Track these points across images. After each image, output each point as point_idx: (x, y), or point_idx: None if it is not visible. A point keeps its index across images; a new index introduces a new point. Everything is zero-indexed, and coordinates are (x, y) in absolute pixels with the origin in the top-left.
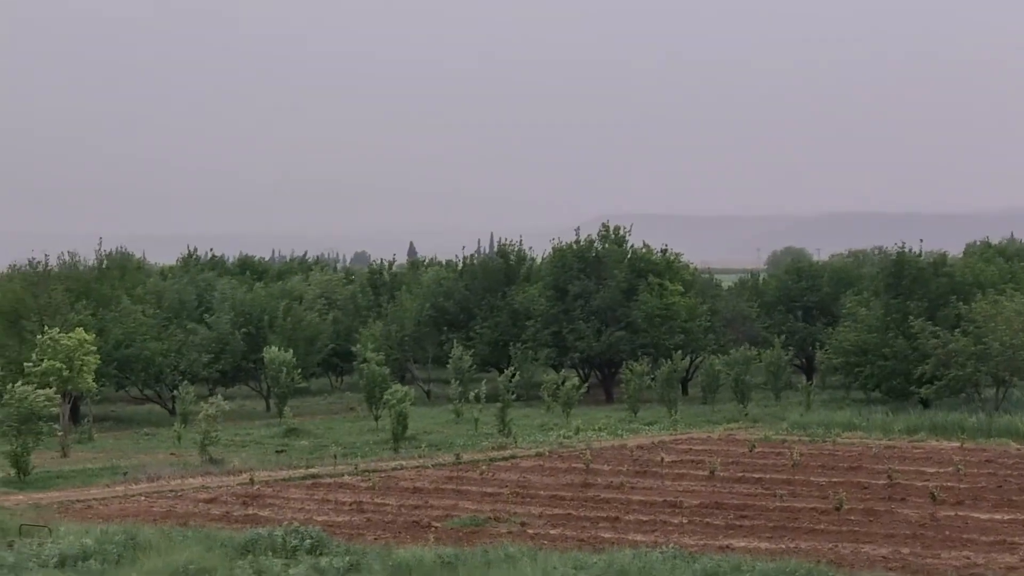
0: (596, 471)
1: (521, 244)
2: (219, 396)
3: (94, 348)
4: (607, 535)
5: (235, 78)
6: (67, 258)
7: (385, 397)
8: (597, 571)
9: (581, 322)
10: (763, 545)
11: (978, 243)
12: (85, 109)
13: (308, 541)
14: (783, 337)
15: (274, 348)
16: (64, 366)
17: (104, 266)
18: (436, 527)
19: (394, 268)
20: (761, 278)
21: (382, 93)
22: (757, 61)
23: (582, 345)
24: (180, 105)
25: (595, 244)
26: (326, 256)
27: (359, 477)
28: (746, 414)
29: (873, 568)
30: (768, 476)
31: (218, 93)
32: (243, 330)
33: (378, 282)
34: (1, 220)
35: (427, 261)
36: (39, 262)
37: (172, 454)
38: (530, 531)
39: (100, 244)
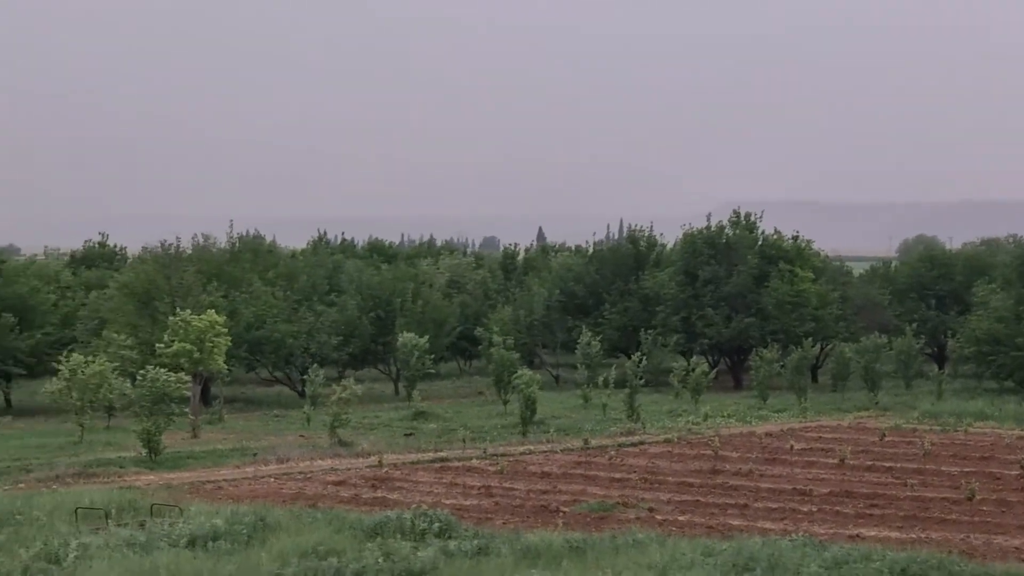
0: (725, 458)
1: (651, 230)
2: (351, 379)
3: (225, 330)
4: (736, 522)
5: (369, 64)
6: (199, 240)
7: (514, 381)
8: (726, 558)
9: (711, 308)
10: (893, 535)
11: None
12: (219, 92)
13: (436, 524)
14: (915, 325)
15: (409, 332)
16: (195, 347)
17: (236, 248)
18: (564, 512)
19: (525, 253)
20: (893, 266)
21: (512, 81)
22: (894, 51)
23: (711, 331)
24: (314, 89)
25: (726, 230)
26: (455, 240)
27: (487, 461)
28: (876, 402)
29: (1006, 559)
30: (899, 465)
31: (353, 78)
32: (371, 313)
33: (509, 267)
34: (135, 203)
35: (557, 247)
36: (172, 244)
37: (301, 436)
38: (658, 517)
39: (231, 227)
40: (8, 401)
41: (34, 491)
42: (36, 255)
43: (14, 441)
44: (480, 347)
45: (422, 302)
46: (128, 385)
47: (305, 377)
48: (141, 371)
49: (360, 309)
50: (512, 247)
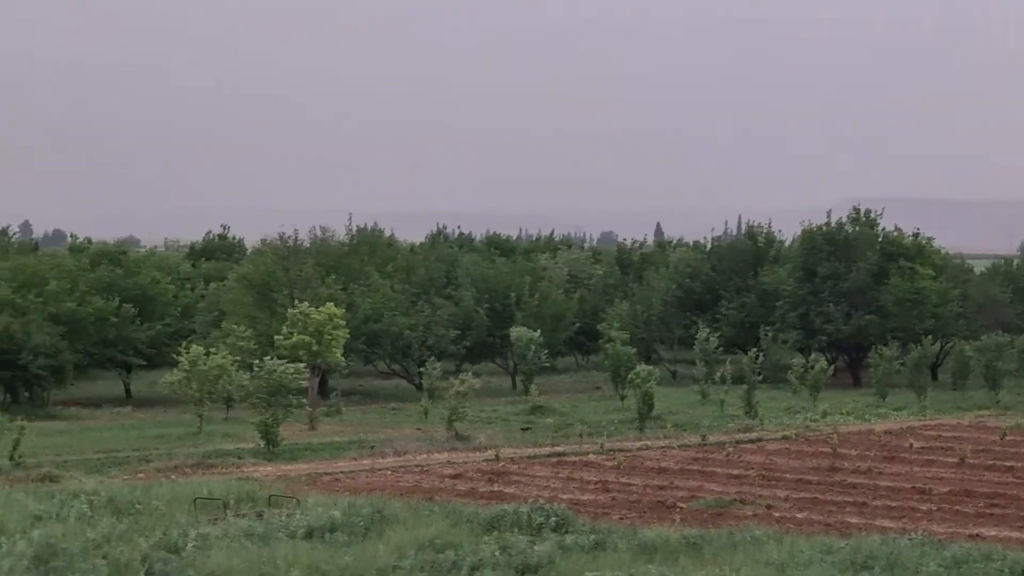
0: (843, 455)
1: (770, 226)
2: (468, 373)
3: (343, 322)
4: (854, 520)
5: (483, 60)
6: (318, 233)
7: (631, 377)
8: (844, 556)
9: (830, 305)
10: (1015, 535)
11: None
12: (341, 86)
13: (553, 519)
14: None
15: (522, 327)
16: (314, 340)
17: (354, 242)
18: (681, 508)
19: (642, 248)
20: (1015, 263)
21: (635, 79)
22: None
23: (830, 328)
24: (434, 80)
25: (845, 227)
26: (573, 235)
27: (604, 456)
28: (997, 401)
29: None
30: (1020, 465)
31: (474, 69)
32: (488, 307)
33: (626, 262)
34: (254, 196)
35: (674, 242)
36: (290, 236)
37: (418, 429)
38: (776, 514)
39: (350, 220)
40: (128, 391)
41: (153, 481)
42: (156, 247)
43: (134, 431)
44: (598, 342)
45: (540, 296)
46: (246, 377)
47: (422, 370)
48: (258, 362)
49: (477, 303)
50: (629, 242)
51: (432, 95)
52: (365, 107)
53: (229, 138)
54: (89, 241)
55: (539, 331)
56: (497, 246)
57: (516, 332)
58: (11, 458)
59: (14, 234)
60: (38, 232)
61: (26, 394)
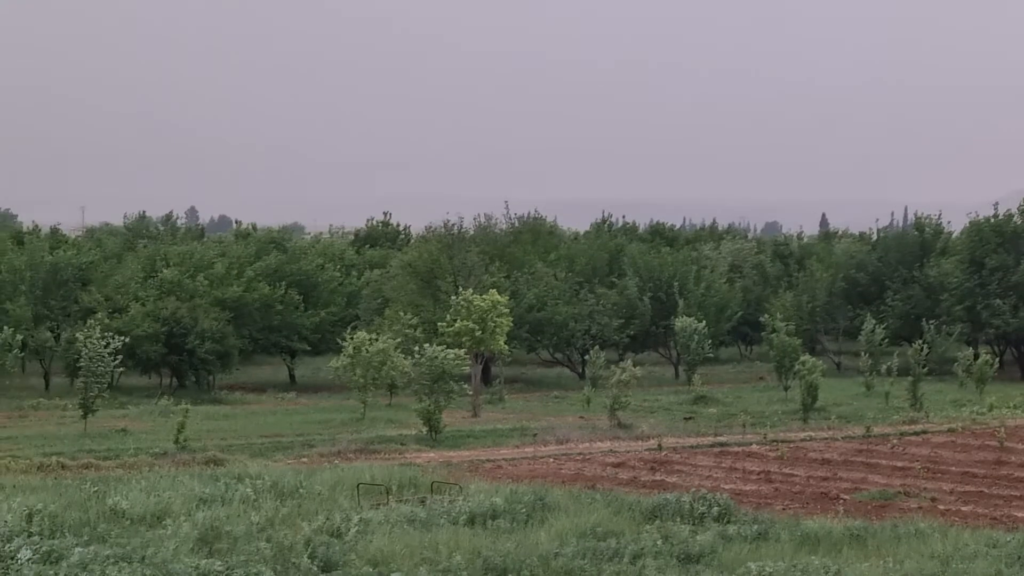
0: (1010, 449)
1: (939, 218)
2: (630, 361)
3: (507, 310)
4: (1021, 514)
5: (650, 43)
6: (481, 221)
7: (795, 367)
8: (1010, 550)
9: (997, 298)
10: None
11: None
12: (517, 69)
13: (716, 508)
14: None
15: (685, 317)
16: (477, 327)
17: (517, 229)
18: (844, 499)
19: (804, 239)
20: None
21: (798, 66)
22: None
23: (997, 321)
24: (588, 67)
25: (1014, 219)
26: (737, 225)
27: (767, 447)
28: None
29: None
30: None
31: (637, 55)
32: (652, 296)
33: (784, 252)
34: (419, 184)
35: (839, 233)
36: (454, 224)
37: (581, 417)
38: (940, 507)
39: (507, 208)
40: (292, 377)
41: (317, 466)
42: (321, 233)
43: (298, 416)
44: (761, 332)
45: (704, 285)
46: (409, 363)
47: (585, 359)
48: (419, 349)
49: (641, 292)
50: (787, 234)
51: (595, 81)
52: (526, 94)
53: (388, 128)
54: (254, 227)
55: (703, 321)
56: (661, 235)
57: (680, 322)
58: (176, 441)
59: (178, 219)
60: (204, 218)
61: (192, 378)
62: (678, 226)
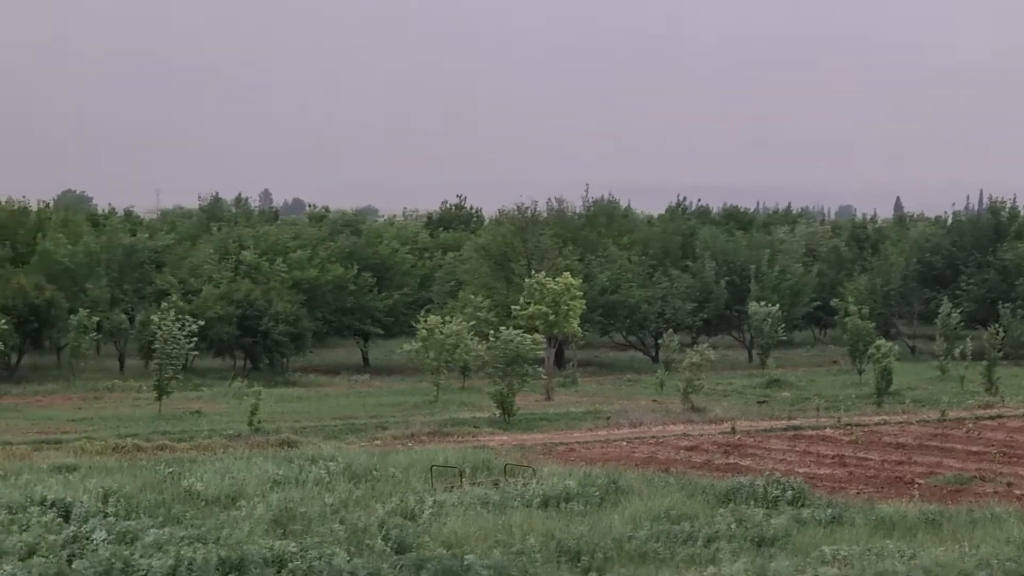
0: None
1: (1014, 201)
2: (704, 344)
3: (580, 293)
4: None
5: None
6: (554, 204)
7: (869, 351)
8: None
9: None
10: None
11: None
12: (589, 53)
13: (789, 492)
14: None
15: (762, 300)
16: (551, 310)
17: (591, 213)
18: (919, 484)
19: (878, 223)
20: None
21: (871, 51)
22: None
23: None
24: (664, 53)
25: None
26: (810, 209)
27: (841, 430)
28: None
29: None
30: None
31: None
32: (726, 279)
33: (860, 236)
34: (489, 168)
35: (914, 216)
36: (527, 207)
37: (654, 401)
38: (1016, 492)
39: (586, 191)
40: (365, 359)
41: (390, 448)
42: (394, 216)
43: (371, 399)
44: (835, 316)
45: (778, 269)
46: (482, 346)
47: (659, 342)
48: (493, 332)
49: (716, 275)
50: (863, 217)
51: (665, 64)
52: (600, 75)
53: (465, 109)
54: (328, 210)
55: (777, 304)
56: (735, 218)
57: (755, 306)
58: (250, 423)
59: (249, 200)
60: (277, 201)
61: (266, 360)
62: (752, 210)
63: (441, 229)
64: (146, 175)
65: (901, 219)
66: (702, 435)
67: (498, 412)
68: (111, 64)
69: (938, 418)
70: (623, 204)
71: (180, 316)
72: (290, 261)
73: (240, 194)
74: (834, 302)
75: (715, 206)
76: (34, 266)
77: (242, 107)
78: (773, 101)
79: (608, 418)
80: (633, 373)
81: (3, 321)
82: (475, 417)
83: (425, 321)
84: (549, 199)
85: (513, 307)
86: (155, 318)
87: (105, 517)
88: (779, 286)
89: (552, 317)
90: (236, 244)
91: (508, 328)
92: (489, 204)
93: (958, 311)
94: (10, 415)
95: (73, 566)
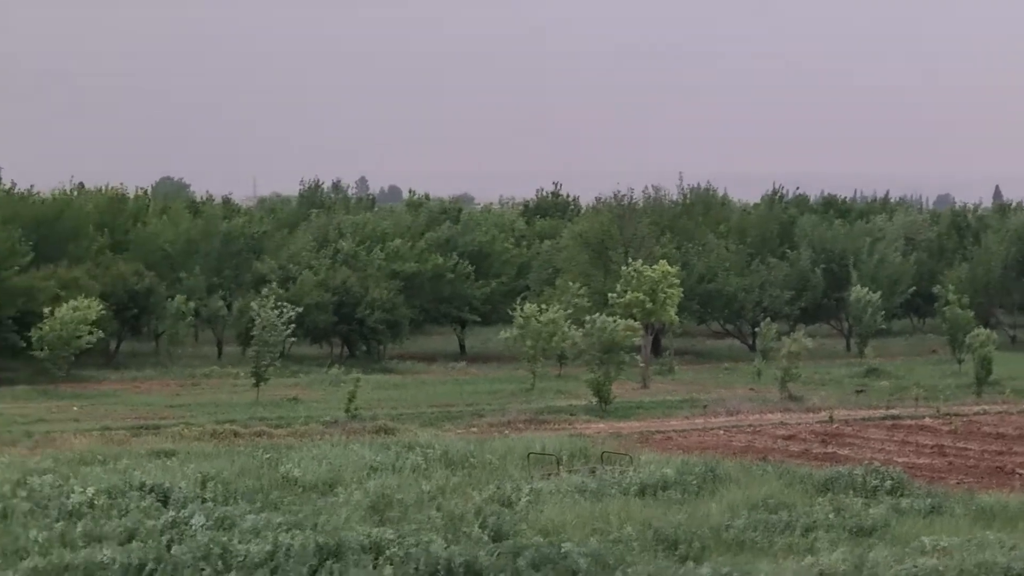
0: None
1: None
2: (801, 332)
3: (677, 281)
4: None
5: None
6: (651, 192)
7: (968, 340)
8: None
9: None
10: None
11: None
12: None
13: (888, 482)
14: None
15: (859, 287)
16: (647, 298)
17: (687, 201)
18: (1020, 474)
19: (979, 212)
20: None
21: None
22: None
23: None
24: (778, 43)
25: None
26: (908, 197)
27: (940, 420)
28: None
29: None
30: None
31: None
32: (824, 268)
33: (961, 224)
34: (582, 158)
35: (1014, 205)
36: (624, 195)
37: (751, 389)
38: None
39: (681, 179)
40: (462, 347)
41: (487, 436)
42: (490, 204)
43: (468, 386)
44: (934, 305)
45: (877, 258)
46: (578, 333)
47: (756, 330)
48: (588, 319)
49: (814, 264)
50: (963, 205)
51: (761, 54)
52: (694, 66)
53: (559, 100)
54: (427, 197)
55: (877, 293)
56: (833, 207)
57: (855, 293)
58: (347, 410)
59: (349, 188)
60: (374, 188)
61: (363, 348)
62: (849, 198)
63: (537, 217)
64: (243, 163)
65: (1002, 208)
66: (800, 424)
67: (595, 400)
68: (211, 54)
69: None
70: (719, 193)
71: (279, 304)
72: (388, 251)
73: (340, 180)
74: (936, 289)
75: (811, 194)
76: (133, 253)
77: (337, 95)
78: (867, 92)
79: (705, 406)
80: (730, 361)
81: (102, 308)
82: (572, 405)
83: (521, 309)
84: (646, 187)
85: (610, 295)
86: (254, 305)
87: (203, 502)
88: (878, 274)
89: (649, 305)
90: (336, 231)
91: (604, 316)
92: (584, 193)
93: None
94: (109, 401)
95: (172, 551)
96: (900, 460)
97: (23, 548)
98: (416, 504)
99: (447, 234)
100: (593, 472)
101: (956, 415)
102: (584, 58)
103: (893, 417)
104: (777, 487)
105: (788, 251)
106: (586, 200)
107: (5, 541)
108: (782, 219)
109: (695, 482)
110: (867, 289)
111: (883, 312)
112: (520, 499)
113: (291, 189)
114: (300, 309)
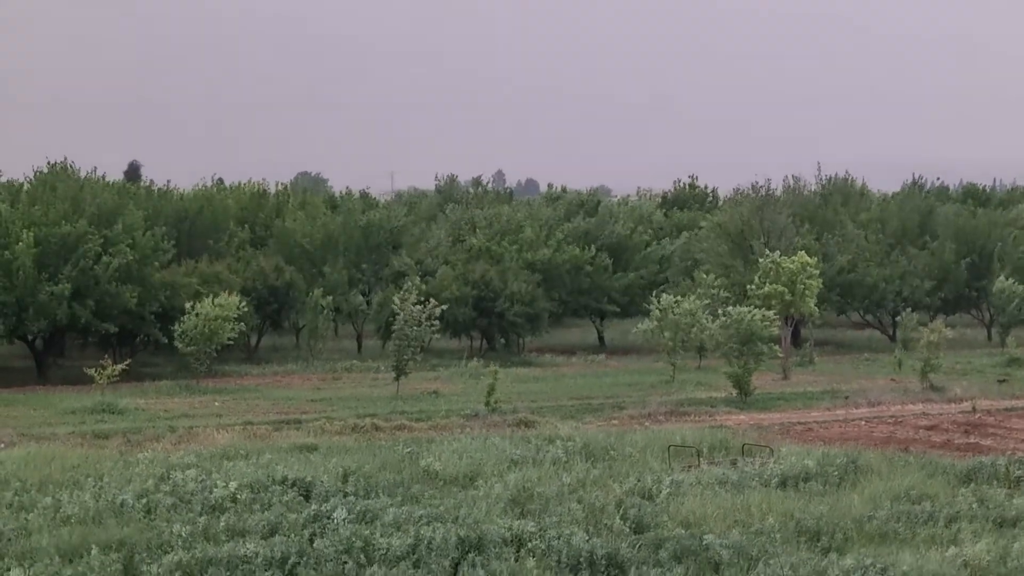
0: None
1: None
2: (940, 321)
3: (816, 272)
4: None
5: None
6: (790, 183)
7: None
8: None
9: None
10: None
11: None
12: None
13: None
14: None
15: (1003, 279)
16: (787, 289)
17: (826, 191)
18: None
19: None
20: None
21: None
22: None
23: None
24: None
25: None
26: None
27: None
28: None
29: None
30: None
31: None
32: (966, 258)
33: None
34: (716, 150)
35: None
36: (763, 186)
37: (892, 380)
38: None
39: (819, 169)
40: (601, 339)
41: (627, 428)
42: (628, 196)
43: (607, 379)
44: None
45: (1022, 249)
46: (716, 325)
47: (896, 321)
48: (724, 310)
49: (955, 254)
50: None
51: (895, 41)
52: (828, 54)
53: (690, 93)
54: (564, 189)
55: (1022, 285)
56: (974, 196)
57: (1000, 284)
58: (487, 403)
59: (489, 182)
60: (511, 181)
61: (502, 341)
62: (989, 187)
63: (675, 209)
64: (380, 158)
65: None
66: (941, 414)
67: (735, 392)
68: (349, 50)
69: None
70: (858, 182)
71: (421, 299)
72: (520, 241)
73: (480, 176)
74: None
75: (950, 182)
76: (273, 248)
77: (471, 89)
78: (1004, 77)
79: (846, 397)
80: (870, 352)
81: (243, 303)
82: (711, 397)
83: (659, 301)
84: (785, 177)
85: (749, 287)
86: (396, 299)
87: (345, 496)
88: (1021, 264)
89: (788, 296)
90: (469, 225)
91: (743, 307)
92: (720, 184)
93: None
94: (251, 395)
95: (314, 545)
96: None
97: (167, 542)
98: (557, 497)
99: (584, 226)
100: (734, 464)
101: None
102: (710, 53)
103: None
104: (919, 478)
105: (928, 241)
106: (724, 191)
107: (149, 536)
108: (922, 209)
109: (836, 473)
110: (1012, 280)
111: None
112: (661, 491)
113: (428, 184)
114: (445, 307)
